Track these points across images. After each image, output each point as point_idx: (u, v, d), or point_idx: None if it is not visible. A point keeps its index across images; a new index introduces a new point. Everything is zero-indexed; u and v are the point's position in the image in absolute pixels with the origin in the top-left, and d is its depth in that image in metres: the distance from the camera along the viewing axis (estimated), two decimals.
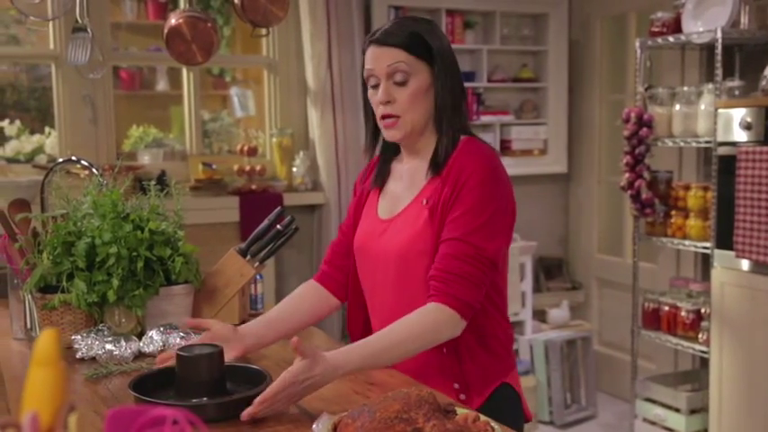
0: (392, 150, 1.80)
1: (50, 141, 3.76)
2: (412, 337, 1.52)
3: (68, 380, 0.63)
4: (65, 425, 0.61)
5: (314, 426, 1.26)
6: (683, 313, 3.48)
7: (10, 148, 3.74)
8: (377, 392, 1.52)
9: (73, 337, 1.80)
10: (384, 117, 1.66)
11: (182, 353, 1.48)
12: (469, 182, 1.60)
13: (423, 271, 1.62)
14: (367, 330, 1.79)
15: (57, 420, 0.61)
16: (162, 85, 4.71)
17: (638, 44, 3.62)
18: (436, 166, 1.67)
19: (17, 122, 3.83)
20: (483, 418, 1.27)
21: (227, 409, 1.40)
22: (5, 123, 3.81)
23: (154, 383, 1.51)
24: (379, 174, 1.79)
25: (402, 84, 1.64)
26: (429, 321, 1.54)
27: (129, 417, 0.62)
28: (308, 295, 1.85)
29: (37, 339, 0.65)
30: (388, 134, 1.68)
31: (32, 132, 3.85)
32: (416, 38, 1.64)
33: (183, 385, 1.48)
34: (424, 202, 1.66)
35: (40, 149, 3.76)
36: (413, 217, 1.67)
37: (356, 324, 1.84)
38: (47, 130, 3.82)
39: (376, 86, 1.67)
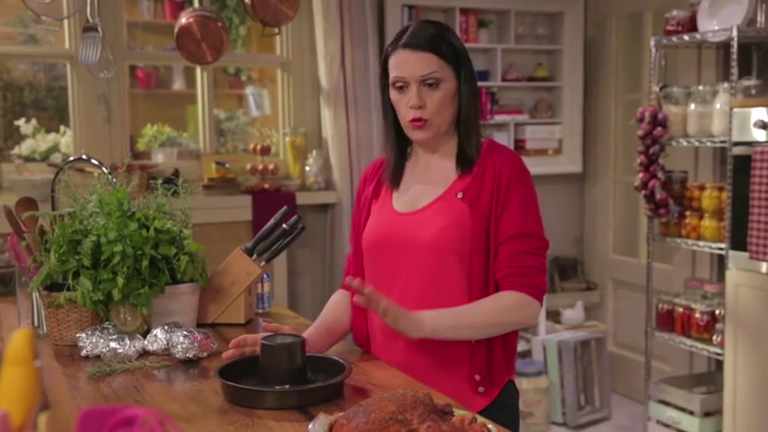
0: (405, 149, 1.84)
1: (65, 140, 3.79)
2: (501, 321, 1.66)
3: (41, 379, 0.63)
4: (35, 424, 0.61)
5: (310, 426, 1.26)
6: (697, 315, 3.45)
7: (26, 147, 3.78)
8: (378, 393, 1.51)
9: (78, 335, 1.81)
10: (413, 120, 1.71)
11: (265, 342, 1.55)
12: (513, 179, 1.71)
13: (453, 260, 1.68)
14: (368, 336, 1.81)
15: (28, 420, 0.61)
16: (178, 84, 4.72)
17: (652, 43, 3.58)
18: (465, 164, 1.74)
19: (33, 121, 3.86)
20: (480, 419, 1.26)
21: (309, 396, 1.46)
22: (22, 122, 3.85)
23: (240, 371, 1.57)
24: (397, 171, 1.82)
25: (433, 87, 1.69)
26: (516, 308, 1.66)
27: (100, 416, 0.62)
28: (345, 302, 1.87)
29: (10, 338, 0.65)
30: (416, 134, 1.73)
31: (49, 131, 3.88)
32: (445, 41, 1.70)
33: (266, 373, 1.54)
34: (460, 195, 1.71)
35: (55, 148, 3.79)
36: (445, 209, 1.71)
37: (361, 334, 1.84)
38: (62, 128, 3.85)
39: (402, 88, 1.71)
